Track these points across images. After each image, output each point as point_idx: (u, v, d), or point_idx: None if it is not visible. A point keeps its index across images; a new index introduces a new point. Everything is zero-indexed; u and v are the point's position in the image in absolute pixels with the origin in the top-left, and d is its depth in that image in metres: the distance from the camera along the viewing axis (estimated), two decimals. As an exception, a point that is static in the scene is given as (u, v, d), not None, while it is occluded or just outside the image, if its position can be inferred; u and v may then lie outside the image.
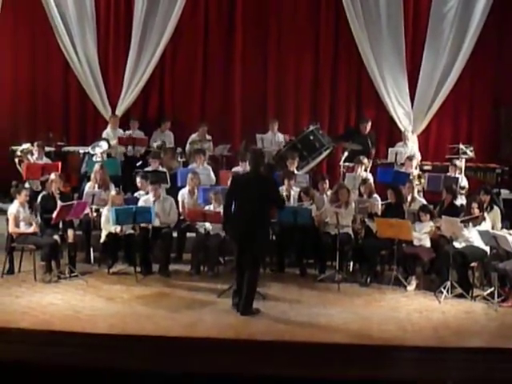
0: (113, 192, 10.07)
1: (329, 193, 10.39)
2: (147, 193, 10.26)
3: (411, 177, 11.20)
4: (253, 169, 8.44)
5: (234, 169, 11.52)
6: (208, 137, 12.84)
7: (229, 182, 10.47)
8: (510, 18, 13.29)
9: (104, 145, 12.10)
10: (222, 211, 9.66)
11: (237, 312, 8.15)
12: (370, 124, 12.93)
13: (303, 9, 13.61)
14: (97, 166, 10.73)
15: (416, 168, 11.89)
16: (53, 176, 10.08)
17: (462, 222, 9.09)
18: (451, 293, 8.84)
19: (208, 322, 7.86)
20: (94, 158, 11.80)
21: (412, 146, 12.86)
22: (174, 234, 10.14)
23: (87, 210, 10.01)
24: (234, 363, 7.03)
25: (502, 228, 9.55)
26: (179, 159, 12.32)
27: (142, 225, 9.68)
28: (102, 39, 13.53)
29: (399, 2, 13.13)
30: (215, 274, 9.70)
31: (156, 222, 9.78)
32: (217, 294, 8.76)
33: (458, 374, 6.98)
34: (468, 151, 12.33)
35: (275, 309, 8.36)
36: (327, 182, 10.70)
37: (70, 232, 9.61)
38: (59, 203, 9.56)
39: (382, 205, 10.14)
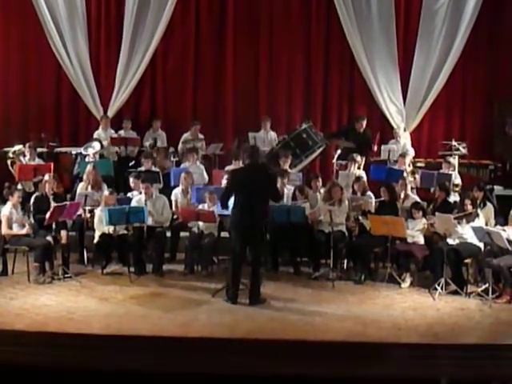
0: (106, 192, 10.03)
1: (322, 191, 10.37)
2: (141, 193, 10.24)
3: (404, 174, 11.20)
4: (252, 163, 8.67)
5: (227, 167, 11.49)
6: (200, 136, 12.83)
7: (223, 180, 10.57)
8: (502, 14, 13.31)
9: (96, 145, 12.06)
10: (215, 210, 9.72)
11: (232, 304, 8.32)
12: (365, 121, 12.89)
13: (295, 6, 13.59)
14: (89, 167, 10.69)
15: (409, 165, 11.90)
16: (46, 177, 10.05)
17: (455, 218, 9.10)
18: (445, 289, 8.84)
19: (203, 322, 7.84)
20: (86, 159, 11.77)
21: (404, 142, 12.87)
22: (168, 234, 10.12)
23: (80, 211, 9.97)
24: (229, 362, 7.04)
25: (495, 224, 9.56)
26: (172, 159, 12.29)
27: (136, 225, 9.66)
28: (94, 39, 13.51)
29: (390, -2, 13.19)
30: (209, 273, 9.67)
31: (149, 221, 9.76)
32: (211, 293, 8.74)
33: (453, 371, 7.00)
34: (461, 148, 12.32)
35: (269, 307, 8.35)
36: (320, 180, 10.67)
37: (64, 233, 9.57)
38: (53, 204, 9.53)
39: (375, 202, 10.14)
